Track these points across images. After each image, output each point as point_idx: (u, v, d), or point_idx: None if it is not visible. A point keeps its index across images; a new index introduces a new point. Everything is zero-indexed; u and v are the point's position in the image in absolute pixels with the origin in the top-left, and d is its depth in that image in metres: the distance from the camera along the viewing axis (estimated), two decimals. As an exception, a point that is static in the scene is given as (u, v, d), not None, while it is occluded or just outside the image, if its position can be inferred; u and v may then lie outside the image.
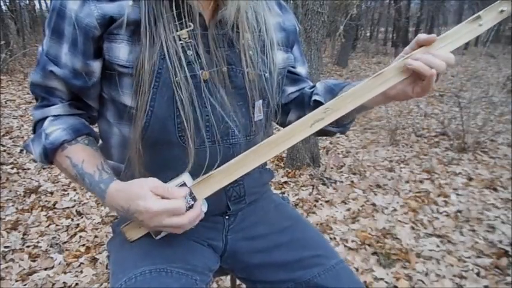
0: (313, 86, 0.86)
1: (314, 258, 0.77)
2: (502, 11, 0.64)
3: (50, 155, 0.68)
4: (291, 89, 0.87)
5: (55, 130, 0.68)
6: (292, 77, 0.86)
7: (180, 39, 0.64)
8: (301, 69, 0.88)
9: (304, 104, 0.85)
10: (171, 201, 0.61)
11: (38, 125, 0.72)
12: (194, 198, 0.66)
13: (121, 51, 0.63)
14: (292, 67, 0.85)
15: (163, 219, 0.61)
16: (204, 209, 0.67)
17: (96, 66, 0.66)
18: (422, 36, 0.64)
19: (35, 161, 0.73)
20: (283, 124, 0.90)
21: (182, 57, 0.64)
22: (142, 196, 0.61)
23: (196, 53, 0.66)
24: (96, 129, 0.77)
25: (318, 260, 0.77)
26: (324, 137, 3.73)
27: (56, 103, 0.70)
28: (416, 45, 0.65)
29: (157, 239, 0.70)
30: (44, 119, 0.70)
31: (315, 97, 0.81)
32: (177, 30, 0.64)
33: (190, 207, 0.65)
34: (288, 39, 0.81)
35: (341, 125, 0.81)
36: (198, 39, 0.66)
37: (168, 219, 0.61)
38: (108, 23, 0.62)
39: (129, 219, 0.68)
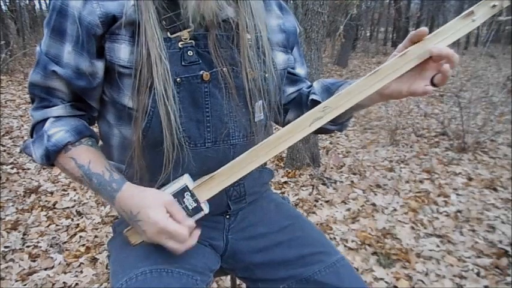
0: (311, 86, 0.86)
1: (315, 255, 0.77)
2: (493, 6, 0.64)
3: (52, 157, 0.67)
4: (290, 90, 0.88)
5: (58, 131, 0.67)
6: (292, 78, 0.86)
7: (180, 40, 0.64)
8: (300, 70, 0.88)
9: (302, 104, 0.85)
10: (180, 226, 0.62)
11: (37, 126, 0.70)
12: (196, 201, 0.66)
13: (122, 51, 0.63)
14: (292, 68, 0.85)
15: (163, 238, 0.62)
16: (206, 210, 0.67)
17: (99, 66, 0.66)
18: (413, 32, 0.65)
19: (36, 162, 0.71)
20: (282, 124, 0.90)
21: (183, 58, 0.64)
22: (154, 207, 0.61)
23: (197, 54, 0.65)
24: (96, 129, 0.77)
25: (319, 257, 0.77)
26: (323, 136, 3.73)
27: (57, 104, 0.69)
28: (409, 42, 0.65)
29: None
30: (45, 120, 0.69)
31: (312, 96, 0.81)
32: (176, 31, 0.64)
33: (192, 209, 0.65)
34: (288, 40, 0.81)
35: (339, 123, 0.82)
36: (199, 40, 0.66)
37: (167, 241, 0.62)
38: (111, 22, 0.62)
39: (130, 224, 0.68)
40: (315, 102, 0.79)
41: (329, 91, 0.80)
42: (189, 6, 0.63)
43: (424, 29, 0.64)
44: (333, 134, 3.83)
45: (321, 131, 0.80)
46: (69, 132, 0.67)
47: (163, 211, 0.61)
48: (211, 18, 0.65)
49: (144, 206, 0.62)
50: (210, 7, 0.64)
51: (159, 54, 0.61)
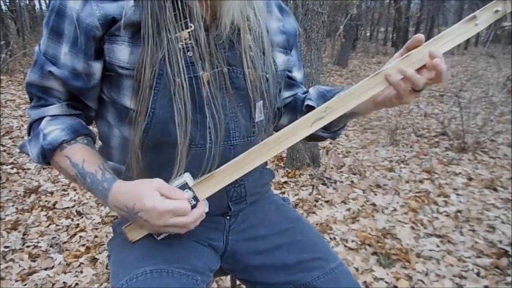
0: (306, 91, 0.86)
1: (314, 261, 0.77)
2: (496, 11, 0.64)
3: (48, 156, 0.68)
4: (286, 94, 0.87)
5: (53, 130, 0.67)
6: (288, 82, 0.86)
7: (181, 41, 0.64)
8: (297, 74, 0.88)
9: (297, 109, 0.85)
10: (177, 201, 0.61)
11: (34, 125, 0.71)
12: (196, 199, 0.66)
13: (122, 52, 0.63)
14: (289, 71, 0.85)
15: (168, 219, 0.61)
16: (206, 209, 0.67)
17: (96, 67, 0.66)
18: (409, 41, 0.65)
19: (33, 161, 0.71)
20: (275, 127, 0.90)
21: (183, 59, 0.64)
22: (148, 195, 0.61)
23: (197, 55, 0.65)
24: (95, 130, 0.77)
25: (318, 263, 0.77)
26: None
27: (53, 103, 0.69)
28: (406, 50, 0.66)
29: (159, 240, 0.70)
30: (41, 119, 0.69)
31: (307, 102, 0.81)
32: (176, 32, 0.64)
33: (193, 207, 0.65)
34: (288, 41, 0.80)
35: (332, 130, 0.82)
36: (199, 40, 0.65)
37: (174, 219, 0.61)
38: (110, 24, 0.62)
39: (131, 219, 0.68)
40: (310, 108, 0.79)
41: (324, 98, 0.80)
42: (229, 11, 0.63)
43: (419, 35, 0.64)
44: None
45: (313, 138, 0.80)
46: (65, 130, 0.67)
47: (157, 195, 0.61)
48: (240, 22, 0.65)
49: (137, 198, 0.61)
50: (239, 10, 0.64)
51: (160, 57, 0.61)
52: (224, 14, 0.63)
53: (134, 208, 0.62)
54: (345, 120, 0.78)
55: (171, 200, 0.61)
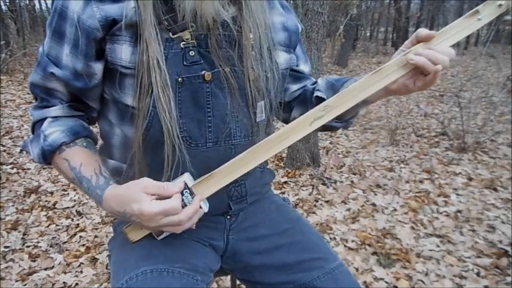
0: (315, 82, 0.86)
1: (314, 261, 0.77)
2: (500, 5, 0.63)
3: (48, 157, 0.69)
4: (294, 87, 0.88)
5: (54, 132, 0.68)
6: (296, 75, 0.86)
7: (182, 40, 0.64)
8: (304, 67, 0.88)
9: (307, 101, 0.85)
10: (165, 201, 0.60)
11: (36, 125, 0.72)
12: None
13: (123, 52, 0.63)
14: (296, 65, 0.85)
15: (160, 220, 0.60)
16: (206, 209, 0.67)
17: (97, 67, 0.66)
18: (423, 32, 0.64)
19: (34, 160, 0.72)
20: (287, 121, 0.90)
21: (184, 58, 0.64)
22: (135, 199, 0.60)
23: (198, 54, 0.65)
24: (96, 130, 0.77)
25: (318, 262, 0.77)
26: (326, 135, 3.74)
27: (55, 104, 0.70)
28: (416, 40, 0.65)
29: (159, 239, 0.70)
30: (43, 119, 0.70)
31: (316, 93, 0.81)
32: (178, 32, 0.64)
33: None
34: (291, 39, 0.80)
35: (344, 120, 0.81)
36: (201, 40, 0.66)
37: (166, 219, 0.60)
38: (111, 25, 0.62)
39: (129, 221, 0.68)
40: (320, 99, 0.78)
41: (334, 88, 0.80)
42: (186, 8, 0.62)
43: (433, 32, 0.64)
44: (333, 134, 3.83)
45: (326, 128, 0.80)
46: (65, 132, 0.68)
47: (144, 198, 0.60)
48: (211, 19, 0.64)
49: (126, 203, 0.61)
50: (209, 8, 0.63)
51: (156, 58, 0.61)
52: (205, 11, 0.63)
53: (126, 213, 0.62)
54: (356, 109, 0.77)
55: (158, 202, 0.60)
